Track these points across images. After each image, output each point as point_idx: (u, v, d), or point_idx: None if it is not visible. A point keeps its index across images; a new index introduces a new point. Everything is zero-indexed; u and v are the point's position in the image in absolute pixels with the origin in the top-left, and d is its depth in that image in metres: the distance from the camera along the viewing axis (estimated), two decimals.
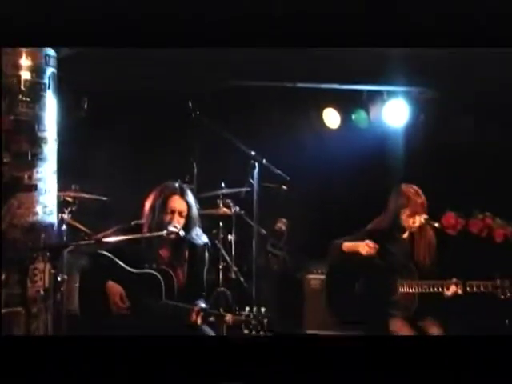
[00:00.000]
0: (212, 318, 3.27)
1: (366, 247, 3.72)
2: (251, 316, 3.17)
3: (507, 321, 3.93)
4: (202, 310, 3.28)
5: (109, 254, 3.38)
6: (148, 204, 3.54)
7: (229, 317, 3.23)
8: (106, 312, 3.34)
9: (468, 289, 3.54)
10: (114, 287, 3.35)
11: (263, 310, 3.18)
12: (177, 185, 3.57)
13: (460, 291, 3.54)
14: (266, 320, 3.16)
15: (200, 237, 3.57)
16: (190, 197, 3.55)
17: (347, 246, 3.83)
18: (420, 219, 3.73)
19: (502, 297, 3.47)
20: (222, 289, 4.50)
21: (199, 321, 3.26)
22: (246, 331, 3.20)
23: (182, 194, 3.52)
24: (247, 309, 3.20)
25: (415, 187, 3.80)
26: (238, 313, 3.23)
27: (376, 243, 3.73)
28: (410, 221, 3.75)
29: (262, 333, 3.18)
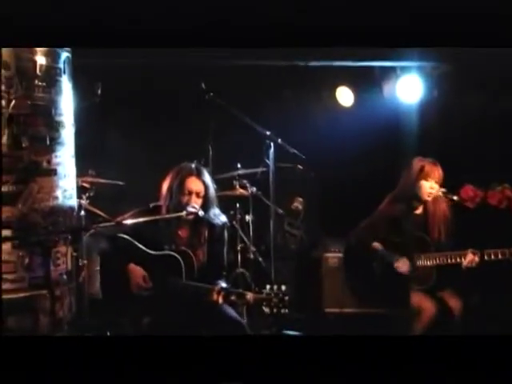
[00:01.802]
0: (233, 297, 3.29)
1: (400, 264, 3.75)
2: (272, 294, 3.18)
3: None
4: (223, 289, 3.30)
5: (128, 237, 3.40)
6: (165, 186, 3.57)
7: (250, 295, 3.24)
8: (128, 295, 3.36)
9: (486, 257, 3.54)
10: (136, 269, 3.38)
11: (284, 287, 3.19)
12: (193, 166, 3.58)
13: (477, 259, 3.54)
14: (286, 297, 3.17)
15: (218, 216, 3.59)
16: (207, 177, 3.57)
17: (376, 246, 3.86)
18: (438, 191, 3.74)
19: None
20: (241, 270, 4.50)
21: (220, 300, 3.28)
22: (266, 310, 3.21)
23: (199, 175, 3.54)
24: (268, 287, 3.21)
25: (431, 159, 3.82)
26: (258, 291, 3.25)
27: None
28: (429, 189, 3.74)
29: (283, 310, 3.20)
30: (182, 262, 3.38)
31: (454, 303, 3.70)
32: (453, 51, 4.07)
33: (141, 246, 3.41)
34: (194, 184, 3.51)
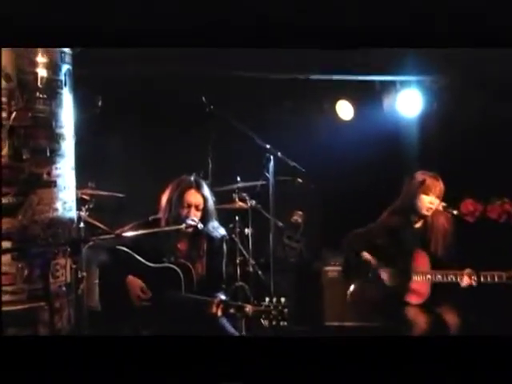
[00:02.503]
0: (232, 310, 3.29)
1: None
2: (271, 306, 3.17)
3: None
4: (222, 301, 3.30)
5: (128, 250, 3.41)
6: (164, 198, 3.58)
7: (249, 308, 3.24)
8: (127, 307, 3.36)
9: (482, 279, 3.54)
10: (134, 281, 3.38)
11: (283, 300, 3.19)
12: (192, 178, 3.59)
13: (474, 282, 3.53)
14: (286, 310, 3.17)
15: (217, 229, 3.59)
16: (206, 190, 3.58)
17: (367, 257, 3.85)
18: (438, 205, 3.73)
19: None
20: (240, 283, 4.49)
21: (219, 313, 3.28)
22: (265, 322, 3.21)
23: (198, 188, 3.55)
24: (267, 299, 3.21)
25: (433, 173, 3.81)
26: (257, 304, 3.24)
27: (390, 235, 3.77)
28: (428, 204, 3.74)
29: (282, 323, 3.19)
30: (181, 275, 3.38)
31: (451, 319, 3.68)
32: (450, 52, 4.07)
33: (140, 258, 3.41)
34: (193, 197, 3.52)
